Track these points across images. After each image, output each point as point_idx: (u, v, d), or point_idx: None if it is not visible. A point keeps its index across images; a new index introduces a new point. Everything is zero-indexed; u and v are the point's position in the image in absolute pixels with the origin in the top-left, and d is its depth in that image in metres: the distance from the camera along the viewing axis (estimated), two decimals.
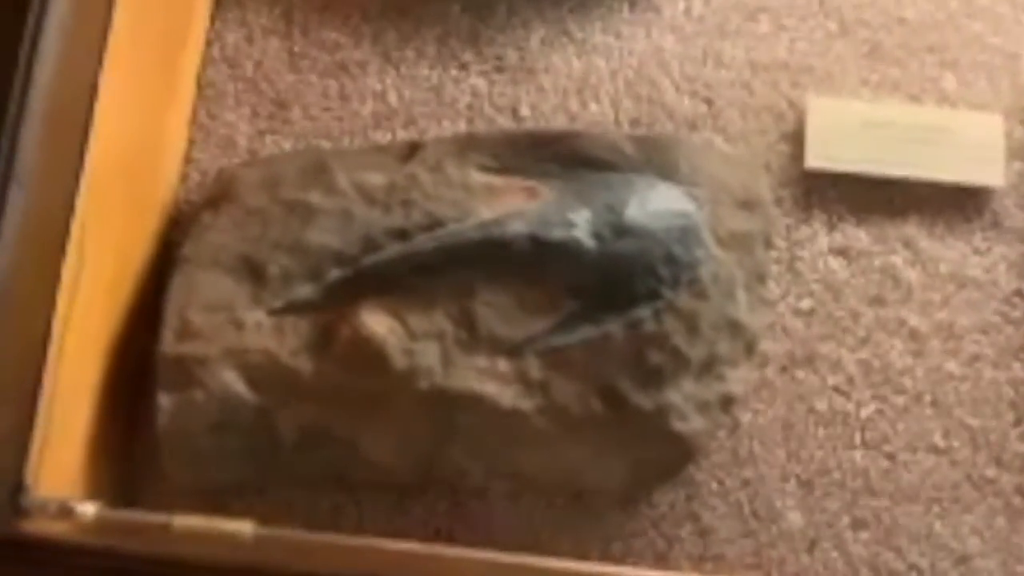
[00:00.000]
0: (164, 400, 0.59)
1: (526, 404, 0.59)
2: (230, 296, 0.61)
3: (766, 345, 0.64)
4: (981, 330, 0.65)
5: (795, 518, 0.61)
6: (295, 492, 0.61)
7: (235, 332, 0.60)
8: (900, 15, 0.71)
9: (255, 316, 0.60)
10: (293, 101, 0.70)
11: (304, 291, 0.61)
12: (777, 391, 0.64)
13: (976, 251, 0.66)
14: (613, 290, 0.60)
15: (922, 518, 0.61)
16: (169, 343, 0.60)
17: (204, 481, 0.60)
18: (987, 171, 0.67)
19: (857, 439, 0.63)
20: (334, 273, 0.61)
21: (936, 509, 0.61)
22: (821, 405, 0.63)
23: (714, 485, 0.62)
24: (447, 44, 0.72)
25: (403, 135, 0.69)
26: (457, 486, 0.62)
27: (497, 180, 0.64)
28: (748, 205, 0.63)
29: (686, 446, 0.60)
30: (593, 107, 0.70)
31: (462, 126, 0.69)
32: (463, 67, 0.71)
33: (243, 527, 0.47)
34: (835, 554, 0.61)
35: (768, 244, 0.64)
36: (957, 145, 0.67)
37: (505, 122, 0.70)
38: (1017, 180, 0.67)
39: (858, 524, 0.61)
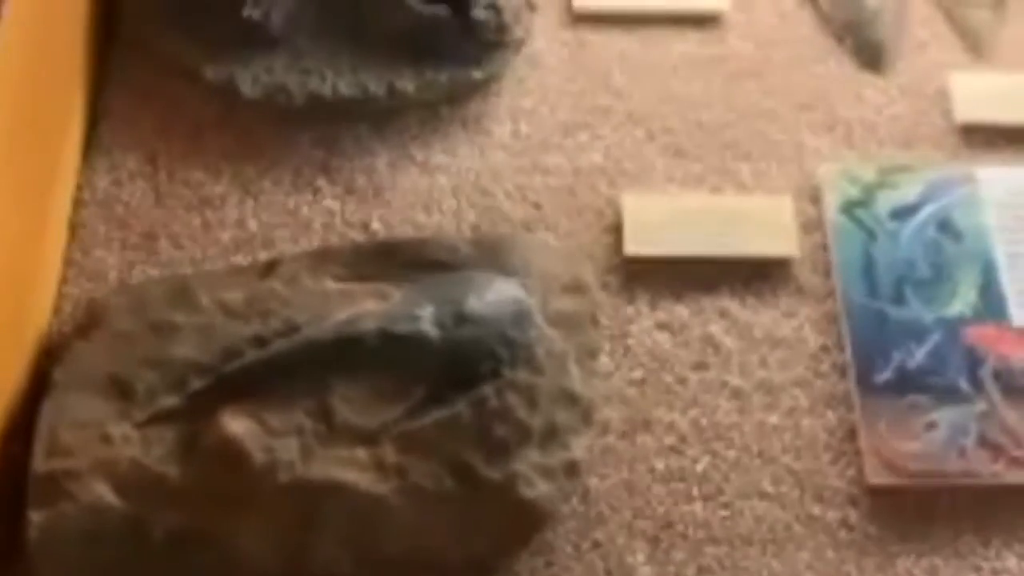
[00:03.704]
0: (35, 515, 0.58)
1: (384, 488, 0.60)
2: (99, 413, 0.61)
3: (606, 414, 0.67)
4: (795, 384, 0.69)
5: (646, 572, 0.63)
6: None
7: (104, 446, 0.60)
8: (698, 120, 0.78)
9: (122, 429, 0.61)
10: (160, 234, 0.72)
11: (168, 402, 0.62)
12: (620, 455, 0.66)
13: (784, 314, 0.71)
14: (458, 373, 0.63)
15: (760, 559, 0.63)
16: (40, 461, 0.60)
17: None
18: (785, 244, 0.73)
19: (695, 492, 0.65)
20: (196, 383, 0.62)
21: (772, 549, 0.64)
22: (660, 465, 0.66)
23: (569, 549, 0.63)
24: (301, 174, 0.76)
25: (263, 255, 0.71)
26: None
27: (350, 287, 0.67)
28: (574, 289, 0.67)
29: (536, 511, 0.61)
30: (437, 217, 0.74)
31: (317, 243, 0.72)
32: (316, 192, 0.75)
33: None
34: None
35: (595, 323, 0.67)
36: (757, 224, 0.73)
37: (357, 237, 0.73)
38: (811, 250, 0.73)
39: (704, 571, 0.63)
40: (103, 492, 0.59)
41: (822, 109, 0.80)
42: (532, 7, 0.80)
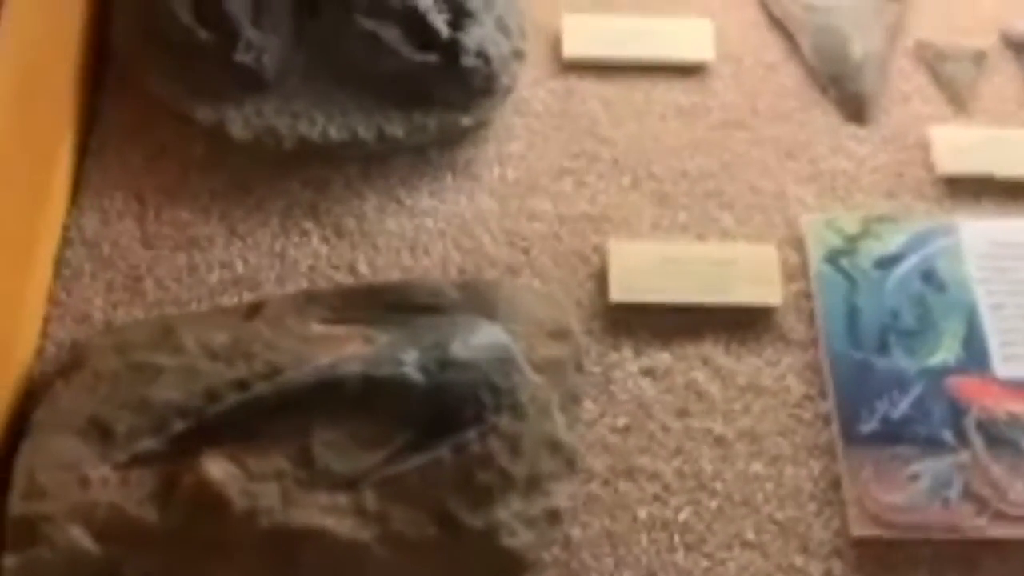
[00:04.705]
0: (9, 560, 0.57)
1: (365, 534, 0.59)
2: (77, 456, 0.60)
3: (590, 461, 0.66)
4: (779, 433, 0.68)
5: None
6: None
7: (81, 489, 0.59)
8: (683, 168, 0.78)
9: (101, 472, 0.60)
10: (146, 275, 0.71)
11: (148, 444, 0.61)
12: (603, 504, 0.65)
13: (767, 363, 0.71)
14: (441, 418, 0.62)
15: None
16: (15, 504, 0.58)
17: None
18: (768, 292, 0.72)
19: (678, 542, 0.64)
20: (178, 425, 0.61)
21: None
22: (643, 513, 0.65)
23: None
24: (290, 216, 0.75)
25: (249, 297, 0.71)
26: None
27: (336, 330, 0.67)
28: (558, 335, 0.67)
29: (517, 560, 0.60)
30: (425, 261, 0.74)
31: (304, 285, 0.72)
32: (304, 234, 0.74)
33: None
34: None
35: (579, 368, 0.66)
36: (740, 272, 0.73)
37: (344, 279, 0.72)
38: (794, 299, 0.73)
39: None
40: (79, 536, 0.57)
41: (806, 159, 0.80)
42: (520, 55, 0.81)
